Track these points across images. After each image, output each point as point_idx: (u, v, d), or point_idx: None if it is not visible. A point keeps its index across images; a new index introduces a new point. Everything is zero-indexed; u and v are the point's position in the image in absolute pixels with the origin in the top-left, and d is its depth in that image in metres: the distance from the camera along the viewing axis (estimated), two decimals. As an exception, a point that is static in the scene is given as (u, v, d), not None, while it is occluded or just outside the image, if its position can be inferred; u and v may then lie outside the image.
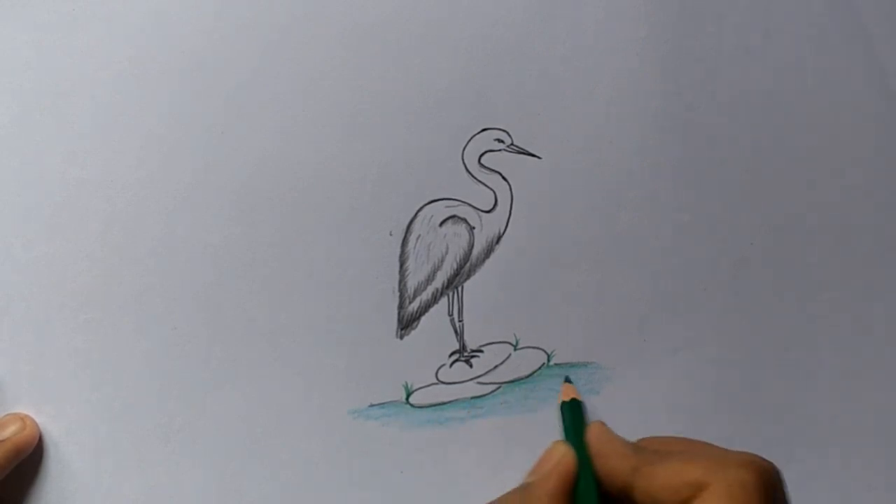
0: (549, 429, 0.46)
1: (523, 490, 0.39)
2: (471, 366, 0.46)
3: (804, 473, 0.47)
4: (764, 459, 0.36)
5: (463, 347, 0.46)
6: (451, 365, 0.46)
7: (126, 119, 0.45)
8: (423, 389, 0.46)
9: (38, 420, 0.44)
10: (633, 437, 0.43)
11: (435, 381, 0.46)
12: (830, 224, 0.48)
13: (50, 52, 0.44)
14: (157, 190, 0.45)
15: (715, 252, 0.47)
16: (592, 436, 0.40)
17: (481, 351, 0.46)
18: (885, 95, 0.48)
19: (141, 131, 0.45)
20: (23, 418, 0.43)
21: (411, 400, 0.46)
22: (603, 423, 0.41)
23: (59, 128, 0.44)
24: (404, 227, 0.46)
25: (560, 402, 0.44)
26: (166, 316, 0.45)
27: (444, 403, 0.46)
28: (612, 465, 0.39)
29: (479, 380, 0.46)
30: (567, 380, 0.46)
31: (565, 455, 0.39)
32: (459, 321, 0.46)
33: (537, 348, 0.47)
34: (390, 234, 0.46)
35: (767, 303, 0.48)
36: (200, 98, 0.45)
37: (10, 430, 0.43)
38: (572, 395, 0.44)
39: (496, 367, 0.47)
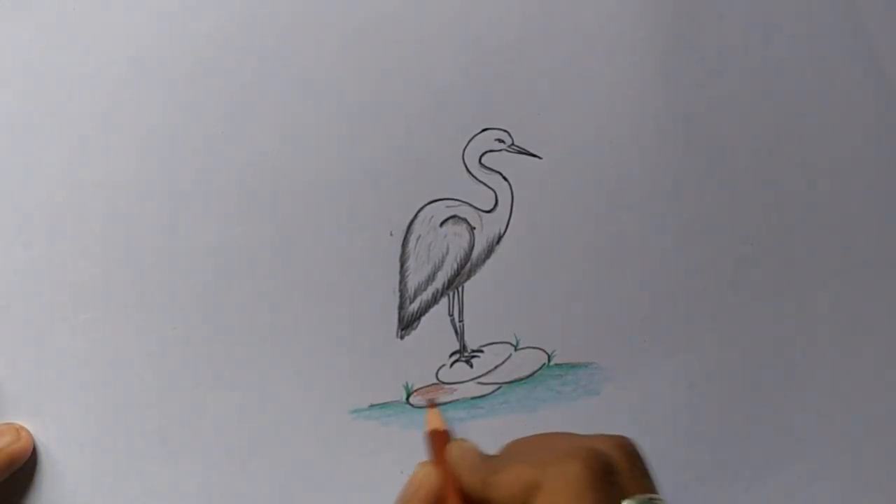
0: (550, 429, 0.46)
1: None
2: (471, 366, 0.46)
3: (804, 473, 0.48)
4: (607, 438, 0.36)
5: (463, 347, 0.46)
6: (451, 365, 0.46)
7: (126, 119, 0.44)
8: (423, 389, 0.46)
9: (37, 420, 0.44)
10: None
11: (435, 381, 0.46)
12: (830, 224, 0.48)
13: (50, 52, 0.44)
14: (157, 190, 0.45)
15: (715, 252, 0.47)
16: (451, 454, 0.40)
17: (481, 351, 0.46)
18: (885, 95, 0.48)
19: (141, 131, 0.45)
20: (17, 429, 0.43)
21: (411, 400, 0.46)
22: (463, 440, 0.41)
23: (59, 128, 0.44)
24: (405, 227, 0.46)
25: (427, 431, 0.42)
26: (166, 316, 0.45)
27: (444, 403, 0.46)
28: (465, 481, 0.38)
29: (480, 380, 0.46)
30: (433, 403, 0.46)
31: (427, 477, 0.39)
32: (460, 321, 0.46)
33: (537, 348, 0.47)
34: (391, 234, 0.46)
35: (767, 303, 0.48)
36: (201, 98, 0.45)
37: (4, 441, 0.43)
38: (434, 426, 0.42)
39: (496, 367, 0.47)
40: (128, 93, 0.44)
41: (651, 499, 0.35)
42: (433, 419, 0.42)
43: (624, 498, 0.35)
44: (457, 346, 0.46)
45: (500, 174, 0.46)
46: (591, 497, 0.33)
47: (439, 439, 0.42)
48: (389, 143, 0.46)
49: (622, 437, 0.37)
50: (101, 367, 0.44)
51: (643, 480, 0.36)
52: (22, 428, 0.44)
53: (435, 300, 0.46)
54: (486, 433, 0.46)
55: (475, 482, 0.37)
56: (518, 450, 0.39)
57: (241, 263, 0.45)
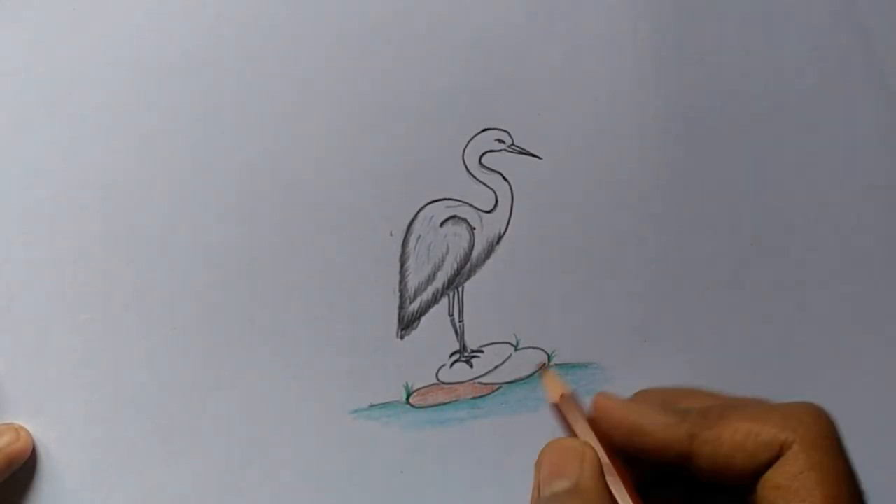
0: (550, 429, 0.46)
1: (570, 494, 0.33)
2: (471, 366, 0.46)
3: (804, 473, 0.47)
4: (822, 408, 0.35)
5: (463, 348, 0.46)
6: (451, 365, 0.46)
7: (126, 119, 0.44)
8: (423, 389, 0.46)
9: (37, 420, 0.44)
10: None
11: (435, 381, 0.46)
12: (831, 223, 0.48)
13: (50, 52, 0.44)
14: (157, 190, 0.45)
15: (715, 252, 0.47)
16: (616, 413, 0.35)
17: (482, 351, 0.46)
18: (885, 95, 0.48)
19: (141, 131, 0.45)
20: (17, 429, 0.43)
21: (411, 400, 0.46)
22: (610, 397, 0.36)
23: (59, 128, 0.44)
24: (405, 227, 0.46)
25: (554, 400, 0.37)
26: (166, 316, 0.45)
27: (444, 403, 0.46)
28: (660, 437, 0.34)
29: (480, 380, 0.46)
30: (544, 367, 0.44)
31: (585, 448, 0.34)
32: (460, 321, 0.46)
33: (537, 348, 0.47)
34: (391, 235, 0.46)
35: (767, 303, 0.48)
36: (200, 98, 0.45)
37: (3, 441, 0.43)
38: (567, 390, 0.37)
39: (496, 367, 0.47)
40: (128, 93, 0.44)
41: None
42: (554, 384, 0.37)
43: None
44: (457, 346, 0.46)
45: (500, 174, 0.46)
46: (844, 455, 0.33)
47: (571, 405, 0.36)
48: (389, 143, 0.46)
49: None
50: (101, 367, 0.45)
51: None
52: (21, 428, 0.44)
53: (435, 300, 0.46)
54: (487, 433, 0.46)
55: (677, 437, 0.33)
56: (702, 402, 0.35)
57: (240, 263, 0.45)
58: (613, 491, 0.34)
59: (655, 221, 0.47)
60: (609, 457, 0.34)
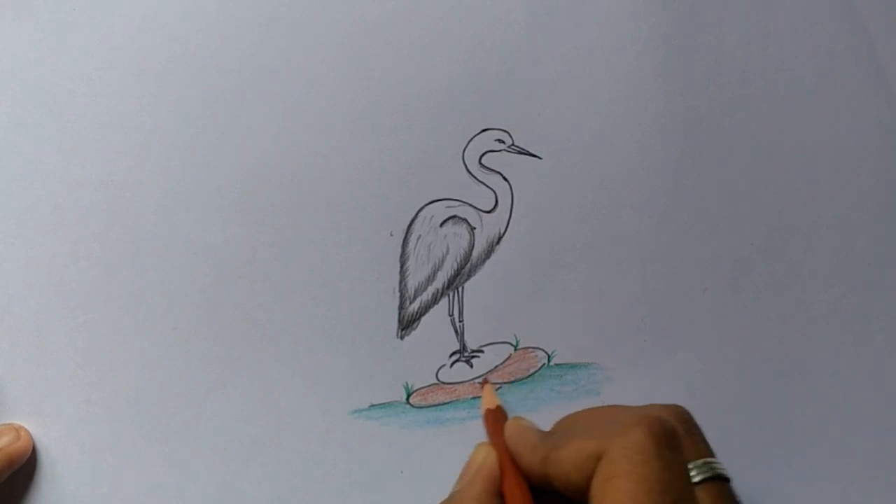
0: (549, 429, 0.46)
1: (450, 500, 0.38)
2: (471, 366, 0.46)
3: (804, 473, 0.48)
4: (665, 407, 0.36)
5: (463, 348, 0.46)
6: (451, 365, 0.46)
7: (126, 119, 0.44)
8: (423, 389, 0.46)
9: (37, 420, 0.44)
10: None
11: (435, 381, 0.46)
12: (830, 224, 0.48)
13: (50, 52, 0.44)
14: (157, 190, 0.45)
15: (715, 252, 0.47)
16: (508, 434, 0.39)
17: (482, 351, 0.46)
18: (885, 95, 0.48)
19: (141, 131, 0.45)
20: (17, 429, 0.43)
21: (411, 400, 0.46)
22: (519, 419, 0.40)
23: (59, 128, 0.44)
24: (405, 227, 0.46)
25: (483, 412, 0.42)
26: (166, 316, 0.45)
27: (444, 403, 0.46)
28: (525, 459, 0.37)
29: (480, 380, 0.46)
30: (485, 381, 0.46)
31: (486, 457, 0.38)
32: (460, 321, 0.46)
33: (537, 348, 0.47)
34: (391, 235, 0.46)
35: (767, 303, 0.48)
36: (200, 98, 0.45)
37: (3, 441, 0.43)
38: (496, 403, 0.42)
39: (496, 367, 0.47)
40: (128, 92, 0.44)
41: (710, 462, 0.35)
42: (488, 397, 0.42)
43: (686, 463, 0.34)
44: (457, 346, 0.46)
45: (500, 174, 0.46)
46: (657, 463, 0.33)
47: (495, 417, 0.41)
48: (389, 142, 0.46)
49: (676, 406, 0.37)
50: (101, 367, 0.45)
51: (701, 444, 0.36)
52: (21, 428, 0.44)
53: (435, 300, 0.46)
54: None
55: (535, 460, 0.37)
56: (573, 424, 0.38)
57: (240, 263, 0.45)
58: (507, 501, 0.37)
59: (655, 221, 0.47)
60: (512, 472, 0.38)
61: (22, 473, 0.44)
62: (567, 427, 0.38)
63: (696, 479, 0.35)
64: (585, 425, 0.36)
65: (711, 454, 0.36)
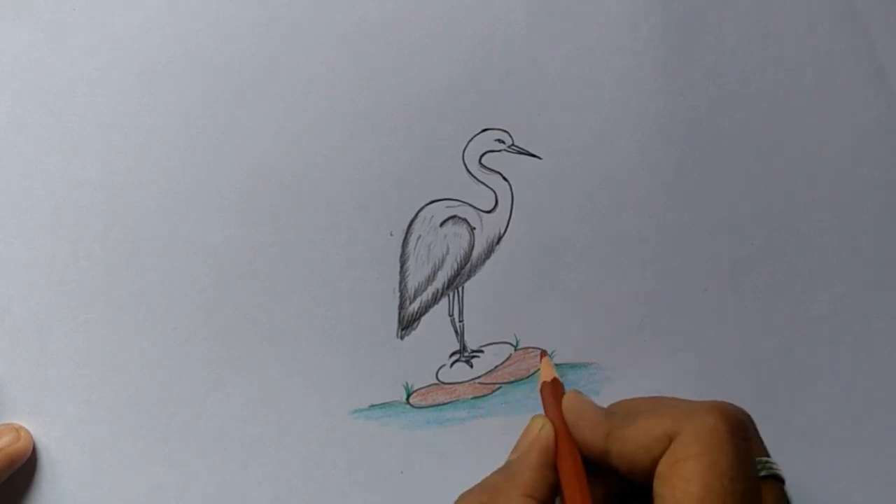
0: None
1: (506, 468, 0.38)
2: (471, 366, 0.46)
3: (804, 473, 0.48)
4: (734, 406, 0.36)
5: (463, 348, 0.46)
6: (451, 365, 0.46)
7: (126, 119, 0.44)
8: (423, 389, 0.46)
9: (37, 420, 0.44)
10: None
11: (435, 381, 0.46)
12: (830, 224, 0.48)
13: (50, 52, 0.44)
14: (157, 190, 0.45)
15: (715, 252, 0.47)
16: (566, 407, 0.40)
17: (482, 351, 0.46)
18: (885, 95, 0.48)
19: (141, 131, 0.45)
20: (17, 429, 0.43)
21: (411, 400, 0.46)
22: (577, 393, 0.41)
23: (59, 128, 0.44)
24: (405, 227, 0.46)
25: (540, 383, 0.43)
26: (166, 316, 0.45)
27: (444, 404, 0.46)
28: (585, 434, 0.38)
29: (480, 380, 0.46)
30: (544, 353, 0.46)
31: (543, 428, 0.39)
32: (460, 321, 0.46)
33: (538, 348, 0.47)
34: (391, 235, 0.46)
35: (767, 303, 0.48)
36: (200, 98, 0.45)
37: (3, 441, 0.43)
38: (552, 375, 0.43)
39: (496, 367, 0.47)
40: (128, 93, 0.44)
41: (768, 462, 0.35)
42: (546, 369, 0.43)
43: (755, 456, 0.34)
44: (457, 346, 0.46)
45: (500, 174, 0.46)
46: (729, 450, 0.33)
47: (553, 390, 0.42)
48: (389, 142, 0.46)
49: (738, 406, 0.37)
50: (101, 367, 0.45)
51: (761, 445, 0.36)
52: (21, 428, 0.44)
53: (435, 300, 0.46)
54: (487, 433, 0.46)
55: (596, 435, 0.37)
56: (637, 406, 0.38)
57: (241, 263, 0.45)
58: (561, 473, 0.38)
59: (655, 221, 0.47)
60: (569, 445, 0.38)
61: (22, 473, 0.44)
62: (630, 408, 0.38)
63: (761, 475, 0.34)
64: (652, 408, 0.36)
65: (769, 455, 0.36)
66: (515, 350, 0.47)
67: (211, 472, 0.45)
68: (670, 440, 0.34)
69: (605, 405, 0.46)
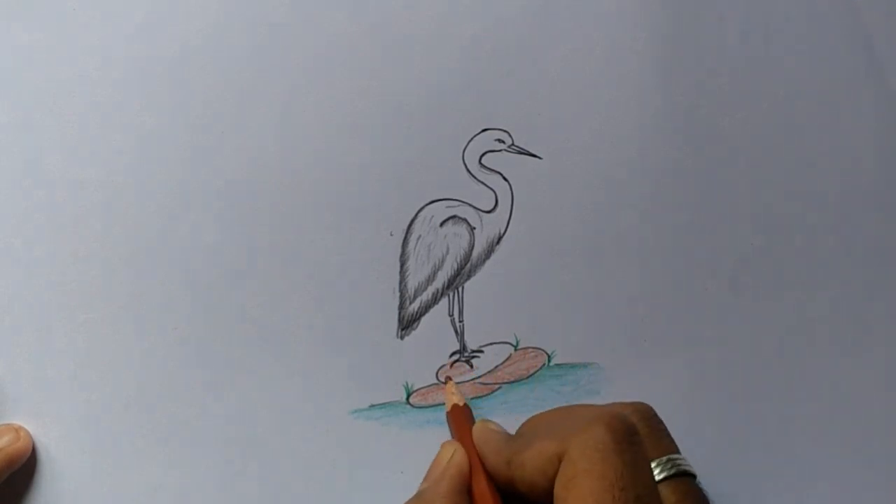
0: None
1: (418, 498, 0.38)
2: (471, 366, 0.46)
3: (804, 473, 0.47)
4: (626, 405, 0.36)
5: (463, 348, 0.46)
6: (451, 365, 0.46)
7: (126, 119, 0.44)
8: (423, 389, 0.46)
9: (37, 420, 0.44)
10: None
11: (435, 381, 0.46)
12: (830, 224, 0.48)
13: (50, 52, 0.44)
14: (156, 190, 0.45)
15: (715, 252, 0.47)
16: (475, 437, 0.39)
17: (482, 351, 0.46)
18: (885, 95, 0.48)
19: (141, 131, 0.45)
20: (17, 429, 0.43)
21: (411, 400, 0.46)
22: (486, 421, 0.40)
23: (59, 128, 0.44)
24: (405, 227, 0.46)
25: (448, 408, 0.44)
26: (166, 316, 0.45)
27: (444, 404, 0.46)
28: (490, 461, 0.37)
29: (480, 380, 0.46)
30: (449, 379, 0.45)
31: (455, 454, 0.38)
32: (460, 321, 0.46)
33: (538, 348, 0.47)
34: (391, 235, 0.46)
35: (767, 303, 0.48)
36: (200, 98, 0.45)
37: (3, 441, 0.43)
38: (454, 402, 0.44)
39: (496, 367, 0.47)
40: (127, 92, 0.44)
41: (674, 459, 0.35)
42: (451, 395, 0.43)
43: (648, 459, 0.34)
44: (457, 346, 0.46)
45: (500, 174, 0.46)
46: (616, 459, 0.32)
47: (461, 415, 0.42)
48: (389, 142, 0.46)
49: (639, 403, 0.36)
50: (101, 367, 0.44)
51: (665, 441, 0.36)
52: (21, 428, 0.44)
53: (435, 300, 0.46)
54: (486, 433, 0.46)
55: (500, 463, 0.36)
56: (538, 425, 0.38)
57: (241, 263, 0.45)
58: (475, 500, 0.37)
59: (655, 221, 0.47)
60: (481, 470, 0.38)
61: (22, 473, 0.44)
62: (531, 429, 0.38)
63: (659, 477, 0.34)
64: (548, 426, 0.36)
65: (676, 451, 0.36)
66: (515, 350, 0.47)
67: (211, 473, 0.45)
68: (559, 459, 0.34)
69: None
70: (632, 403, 0.36)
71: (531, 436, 0.36)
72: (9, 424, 0.44)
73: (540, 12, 0.46)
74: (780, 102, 0.48)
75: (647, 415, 0.36)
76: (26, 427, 0.44)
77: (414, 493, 0.39)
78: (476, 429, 0.40)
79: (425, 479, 0.39)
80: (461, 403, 0.42)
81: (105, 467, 0.45)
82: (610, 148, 0.47)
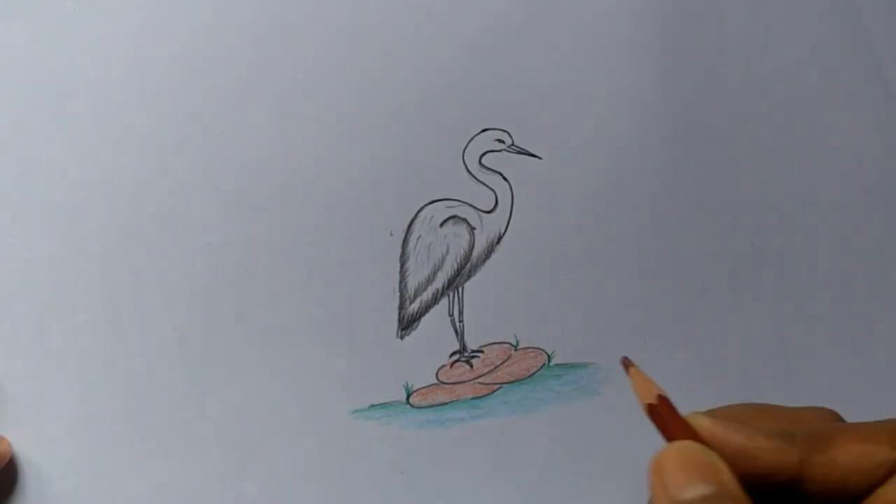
0: (550, 429, 0.46)
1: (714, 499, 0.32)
2: (471, 366, 0.46)
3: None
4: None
5: (463, 348, 0.46)
6: (451, 365, 0.46)
7: (126, 119, 0.44)
8: (423, 389, 0.46)
9: (36, 420, 0.44)
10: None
11: (435, 381, 0.46)
12: (830, 224, 0.48)
13: (50, 52, 0.44)
14: (156, 190, 0.45)
15: (715, 252, 0.47)
16: (718, 434, 0.34)
17: (482, 351, 0.46)
18: (885, 95, 0.48)
19: (141, 131, 0.45)
20: None
21: (411, 400, 0.46)
22: (703, 415, 0.35)
23: (59, 128, 0.44)
24: (405, 227, 0.46)
25: (645, 406, 0.36)
26: (166, 316, 0.45)
27: (444, 404, 0.46)
28: (770, 461, 0.34)
29: (480, 380, 0.46)
30: (628, 363, 0.38)
31: (709, 455, 0.33)
32: (460, 321, 0.46)
33: (537, 349, 0.47)
34: (391, 235, 0.46)
35: (767, 303, 0.48)
36: (200, 98, 0.45)
37: None
38: (656, 392, 0.36)
39: (496, 367, 0.47)
40: (127, 92, 0.44)
41: None
42: (644, 387, 0.36)
43: None
44: (457, 346, 0.46)
45: (500, 174, 0.46)
46: None
47: (670, 408, 0.35)
48: (389, 143, 0.46)
49: None
50: (101, 367, 0.44)
51: None
52: (3, 438, 0.44)
53: (435, 300, 0.46)
54: (487, 433, 0.46)
55: (789, 462, 0.34)
56: (794, 421, 0.37)
57: (241, 263, 0.45)
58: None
59: (655, 221, 0.47)
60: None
61: (21, 473, 0.44)
62: (809, 430, 0.35)
63: None
64: (848, 431, 0.35)
65: None
66: (515, 350, 0.47)
67: (210, 472, 0.45)
68: (894, 465, 0.33)
69: (605, 405, 0.46)
70: None
71: (822, 435, 0.34)
72: None
73: (540, 12, 0.46)
74: (780, 102, 0.48)
75: None
76: (26, 426, 0.44)
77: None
78: (715, 427, 0.34)
79: (692, 480, 0.32)
80: (664, 395, 0.35)
81: (105, 467, 0.45)
82: (610, 148, 0.47)
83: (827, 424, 0.36)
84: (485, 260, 0.46)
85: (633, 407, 0.47)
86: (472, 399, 0.46)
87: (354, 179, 0.45)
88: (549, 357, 0.47)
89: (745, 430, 0.35)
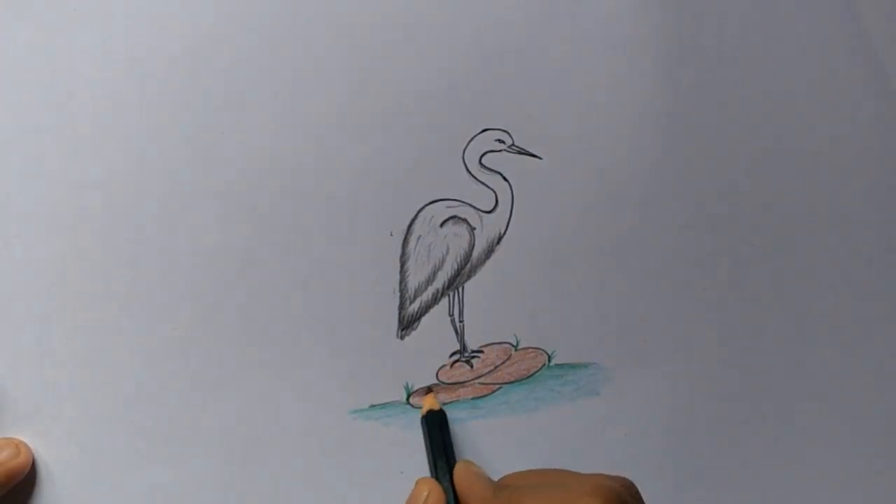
0: (550, 429, 0.46)
1: None
2: (471, 366, 0.46)
3: (804, 473, 0.48)
4: (614, 479, 0.37)
5: (463, 348, 0.46)
6: (451, 365, 0.46)
7: (126, 119, 0.44)
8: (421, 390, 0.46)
9: (37, 420, 0.44)
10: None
11: (435, 381, 0.46)
12: (830, 224, 0.48)
13: (50, 52, 0.44)
14: (157, 190, 0.45)
15: (715, 252, 0.47)
16: (457, 477, 0.42)
17: (482, 351, 0.46)
18: (885, 95, 0.48)
19: (140, 131, 0.45)
20: (17, 444, 0.43)
21: (411, 400, 0.46)
22: (468, 463, 0.43)
23: (59, 128, 0.44)
24: (405, 227, 0.46)
25: (421, 415, 0.45)
26: (166, 316, 0.45)
27: (444, 404, 0.46)
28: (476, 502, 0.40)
29: (480, 380, 0.46)
30: (429, 390, 0.46)
31: (432, 492, 0.41)
32: (460, 322, 0.46)
33: (538, 348, 0.47)
34: (391, 235, 0.46)
35: (767, 303, 0.48)
36: (200, 98, 0.45)
37: (3, 455, 0.43)
38: (430, 406, 0.45)
39: (496, 367, 0.47)
40: (127, 92, 0.44)
41: None
42: (429, 401, 0.44)
43: None
44: (457, 346, 0.46)
45: (500, 174, 0.46)
46: None
47: (443, 426, 0.44)
48: (389, 142, 0.46)
49: (623, 478, 0.38)
50: (101, 367, 0.44)
51: None
52: (22, 443, 0.44)
53: (435, 300, 0.46)
54: (486, 433, 0.46)
55: None
56: (523, 483, 0.40)
57: (241, 263, 0.45)
58: None
59: (655, 221, 0.47)
60: None
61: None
62: (516, 483, 0.40)
63: None
64: (538, 489, 0.38)
65: None
66: (515, 350, 0.47)
67: (211, 473, 0.45)
68: None
69: (605, 405, 0.46)
70: (617, 478, 0.38)
71: (520, 493, 0.38)
72: (8, 439, 0.43)
73: (540, 12, 0.46)
74: (780, 102, 0.48)
75: (633, 491, 0.38)
76: (27, 426, 0.44)
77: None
78: (459, 470, 0.42)
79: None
80: (437, 407, 0.43)
81: (105, 468, 0.45)
82: (610, 148, 0.47)
83: (541, 486, 0.39)
84: (485, 260, 0.46)
85: (633, 407, 0.47)
86: (472, 399, 0.46)
87: (354, 180, 0.45)
88: (549, 357, 0.47)
89: (472, 479, 0.42)
